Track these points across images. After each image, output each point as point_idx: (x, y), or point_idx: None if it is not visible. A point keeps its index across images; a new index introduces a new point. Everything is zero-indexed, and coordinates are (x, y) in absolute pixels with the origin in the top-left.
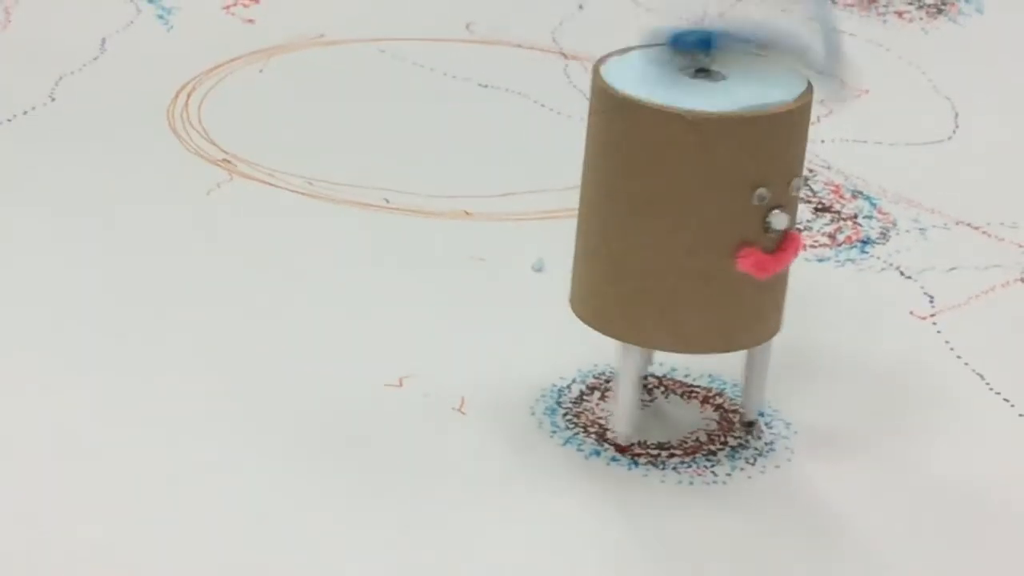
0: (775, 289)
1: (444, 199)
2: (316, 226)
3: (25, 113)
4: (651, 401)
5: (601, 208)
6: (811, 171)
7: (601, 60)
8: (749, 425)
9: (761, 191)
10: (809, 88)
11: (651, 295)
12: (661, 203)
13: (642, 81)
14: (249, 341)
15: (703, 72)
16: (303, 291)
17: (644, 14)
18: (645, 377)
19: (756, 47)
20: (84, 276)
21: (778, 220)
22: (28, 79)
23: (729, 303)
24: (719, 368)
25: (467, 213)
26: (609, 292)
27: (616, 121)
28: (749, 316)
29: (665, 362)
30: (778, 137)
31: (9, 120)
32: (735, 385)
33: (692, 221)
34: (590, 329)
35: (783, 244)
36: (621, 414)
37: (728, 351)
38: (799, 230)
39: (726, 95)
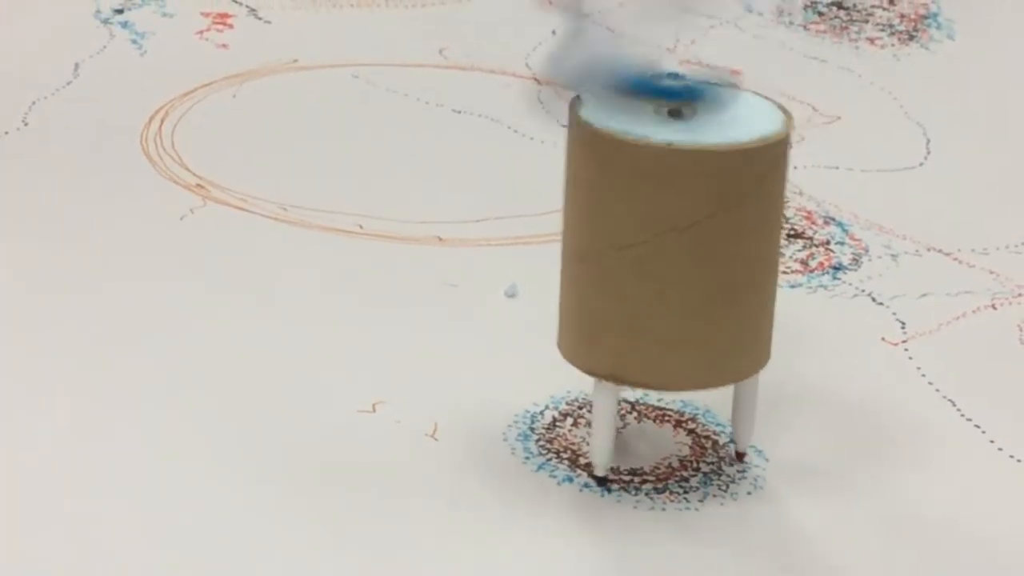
0: (758, 322)
1: (417, 225)
2: (290, 252)
3: None
4: (624, 427)
5: (582, 244)
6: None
7: (576, 99)
8: (740, 456)
9: None
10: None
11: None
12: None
13: (618, 118)
14: (221, 366)
15: (675, 113)
16: (276, 316)
17: (618, 41)
18: (618, 402)
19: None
20: (57, 301)
21: None
22: (2, 104)
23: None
24: (691, 393)
25: (440, 239)
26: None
27: (591, 154)
28: (732, 351)
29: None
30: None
31: None
32: (708, 411)
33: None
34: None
35: None
36: (598, 445)
37: (714, 387)
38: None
39: (700, 131)
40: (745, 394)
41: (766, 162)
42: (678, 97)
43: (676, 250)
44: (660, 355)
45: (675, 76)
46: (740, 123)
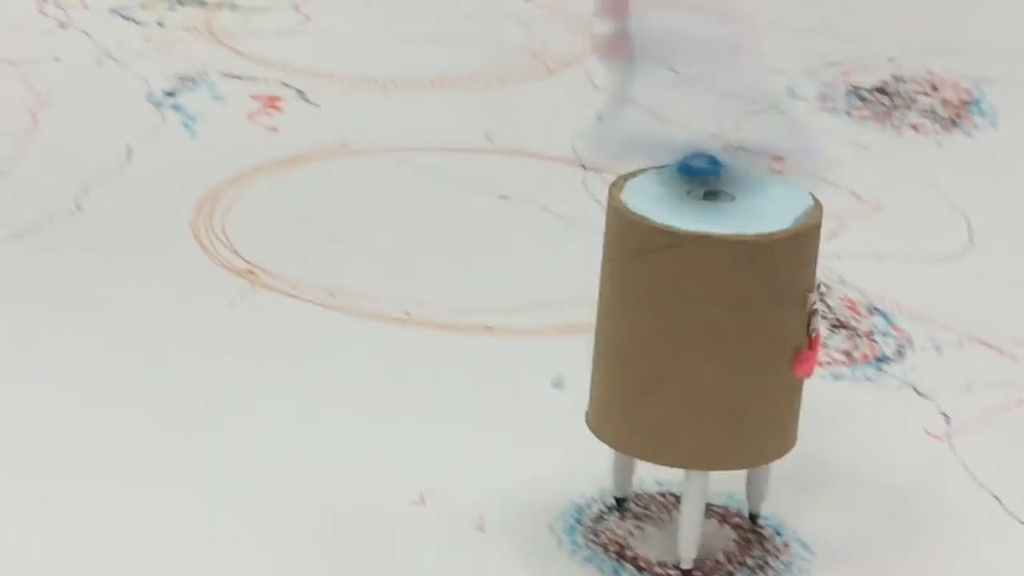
0: (787, 406)
1: (464, 312)
2: (337, 339)
3: (51, 221)
4: (669, 520)
5: (615, 326)
6: (827, 287)
7: (617, 180)
8: (753, 518)
9: (775, 312)
10: (817, 205)
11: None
12: (674, 322)
13: (653, 202)
14: (270, 454)
15: (712, 194)
16: (323, 404)
17: (661, 124)
18: (664, 495)
19: (755, 162)
20: (107, 386)
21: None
22: (55, 186)
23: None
24: (734, 486)
25: (487, 327)
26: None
27: (628, 243)
28: (761, 433)
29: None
30: (792, 255)
31: (35, 229)
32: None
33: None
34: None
35: (803, 357)
36: (686, 535)
37: (738, 468)
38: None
39: (735, 216)
40: (758, 477)
41: (793, 250)
42: (707, 177)
43: (700, 332)
44: (684, 433)
45: (709, 158)
46: (770, 210)
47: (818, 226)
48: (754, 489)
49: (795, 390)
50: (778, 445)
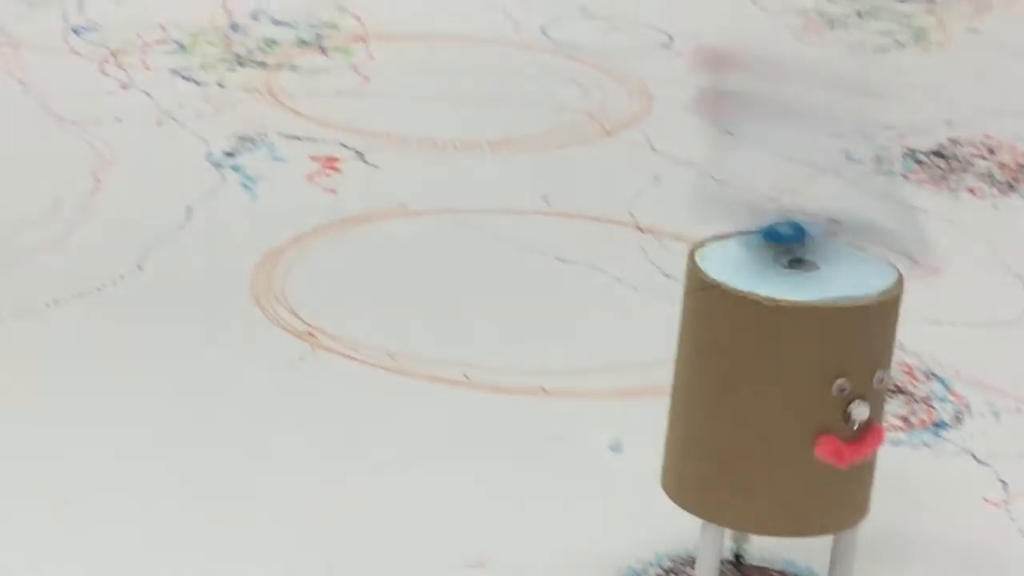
0: (858, 476)
1: (521, 375)
2: (396, 401)
3: (114, 282)
4: None
5: (689, 387)
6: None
7: (698, 244)
8: None
9: (840, 382)
10: (899, 281)
11: (730, 475)
12: (744, 387)
13: (733, 268)
14: (328, 517)
15: (797, 262)
16: (382, 467)
17: (716, 186)
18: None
19: (848, 236)
20: (166, 447)
21: (859, 411)
22: (117, 247)
23: (807, 488)
24: (799, 553)
25: (544, 390)
26: (690, 469)
27: (704, 304)
28: (829, 501)
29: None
30: (863, 329)
31: (98, 289)
32: (808, 567)
33: (774, 406)
34: (668, 511)
35: (864, 435)
36: None
37: (806, 536)
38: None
39: (815, 285)
40: (843, 547)
41: (872, 320)
42: (791, 245)
43: (776, 398)
44: (758, 498)
45: (795, 226)
46: (853, 279)
47: (894, 300)
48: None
49: (822, 470)
50: (837, 518)
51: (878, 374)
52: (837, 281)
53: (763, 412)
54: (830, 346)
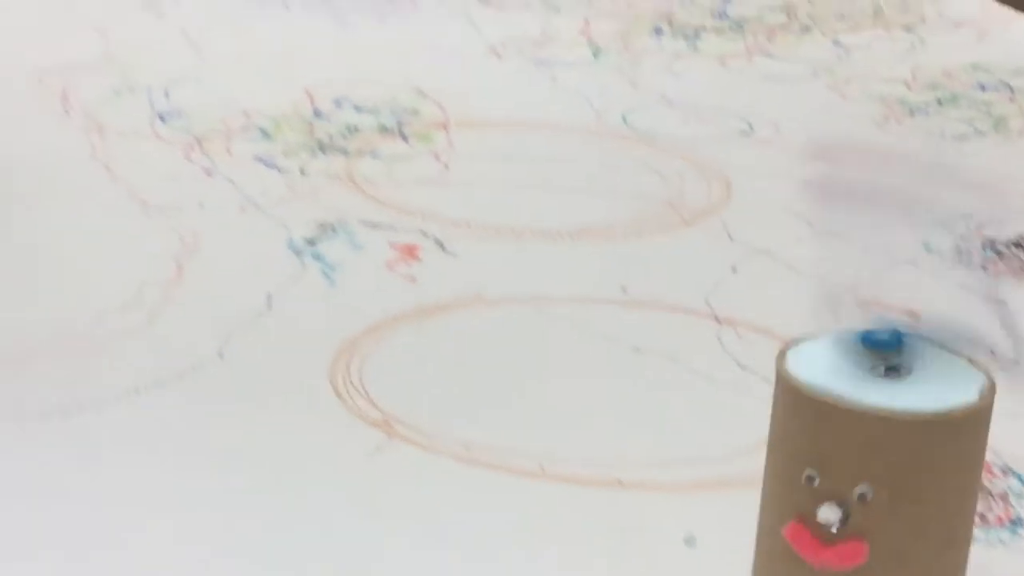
0: None
1: (596, 466)
2: (472, 493)
3: (194, 370)
4: None
5: (773, 490)
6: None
7: (789, 344)
8: None
9: (809, 471)
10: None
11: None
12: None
13: (825, 374)
14: None
15: (892, 370)
16: (457, 558)
17: (796, 278)
18: None
19: (945, 344)
20: (244, 536)
21: (825, 513)
22: (198, 335)
23: None
24: None
25: (620, 482)
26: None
27: (793, 410)
28: None
29: None
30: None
31: (179, 377)
32: None
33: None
34: None
35: (842, 543)
36: None
37: None
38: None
39: (906, 394)
40: None
41: (961, 432)
42: (887, 351)
43: (867, 514)
44: None
45: (892, 331)
46: (946, 387)
47: (980, 412)
48: None
49: None
50: None
51: (859, 488)
52: (928, 388)
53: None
54: (923, 456)
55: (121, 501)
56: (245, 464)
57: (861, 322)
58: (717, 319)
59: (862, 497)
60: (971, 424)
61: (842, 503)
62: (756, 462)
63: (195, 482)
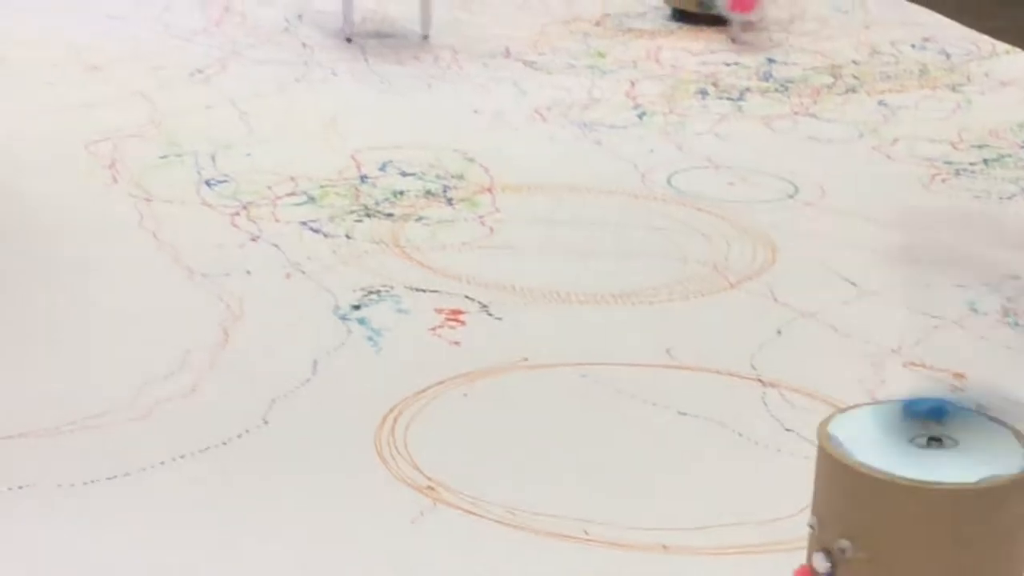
0: None
1: (641, 531)
2: (516, 557)
3: (239, 436)
4: None
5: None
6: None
7: (832, 415)
8: None
9: (811, 519)
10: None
11: None
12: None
13: (867, 444)
14: None
15: (935, 440)
16: None
17: (841, 340)
18: None
19: (989, 413)
20: None
21: (816, 560)
22: (243, 401)
23: None
24: None
25: (665, 547)
26: None
27: (835, 480)
28: None
29: None
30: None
31: (224, 443)
32: None
33: None
34: None
35: None
36: None
37: None
38: None
39: (949, 465)
40: None
41: (1002, 504)
42: (931, 422)
43: None
44: None
45: (936, 402)
46: (988, 458)
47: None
48: None
49: None
50: None
51: (839, 542)
52: (970, 459)
53: None
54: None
55: (167, 566)
56: (290, 530)
57: (905, 391)
58: (762, 382)
59: (842, 551)
60: (1013, 496)
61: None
62: (799, 526)
63: (240, 548)
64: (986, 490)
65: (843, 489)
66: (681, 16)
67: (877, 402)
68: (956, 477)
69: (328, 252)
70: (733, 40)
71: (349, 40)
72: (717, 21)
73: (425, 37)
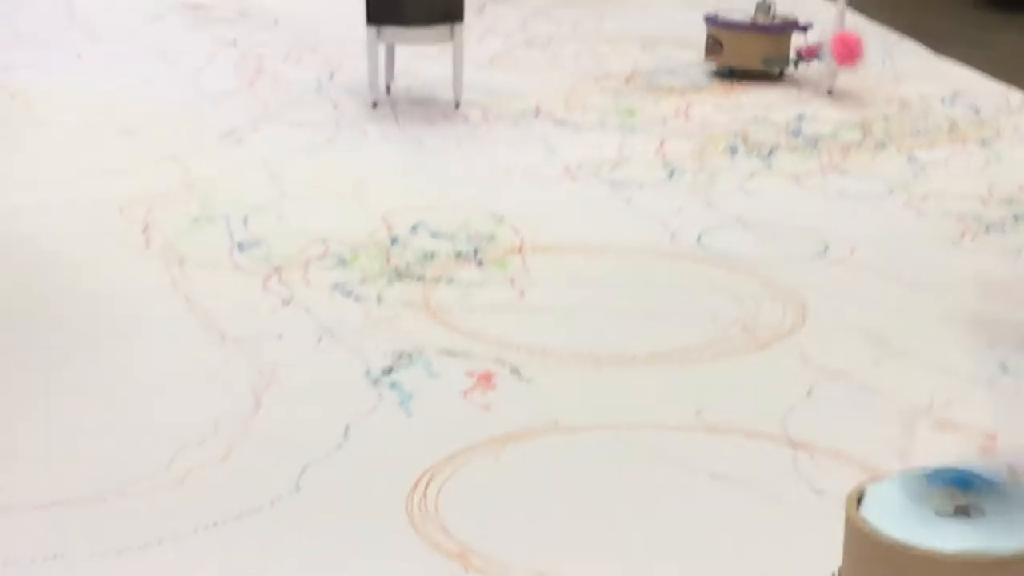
0: None
1: None
2: None
3: (271, 503)
4: None
5: None
6: None
7: (861, 484)
8: None
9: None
10: None
11: None
12: None
13: (894, 514)
14: None
15: (961, 510)
16: None
17: (870, 399)
18: None
19: (1016, 481)
20: None
21: None
22: (275, 468)
23: None
24: None
25: None
26: None
27: (862, 550)
28: None
29: None
30: None
31: (256, 510)
32: None
33: None
34: None
35: None
36: None
37: None
38: None
39: (976, 535)
40: None
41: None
42: (959, 491)
43: None
44: None
45: (965, 472)
46: (1016, 528)
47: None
48: None
49: None
50: None
51: None
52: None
53: None
54: None
55: None
56: None
57: (934, 459)
58: (792, 443)
59: None
60: None
61: None
62: None
63: None
64: (1008, 561)
65: (869, 558)
66: (731, 74)
67: (905, 471)
68: (979, 547)
69: (359, 315)
70: (830, 92)
71: (375, 105)
72: (773, 77)
73: (457, 105)
